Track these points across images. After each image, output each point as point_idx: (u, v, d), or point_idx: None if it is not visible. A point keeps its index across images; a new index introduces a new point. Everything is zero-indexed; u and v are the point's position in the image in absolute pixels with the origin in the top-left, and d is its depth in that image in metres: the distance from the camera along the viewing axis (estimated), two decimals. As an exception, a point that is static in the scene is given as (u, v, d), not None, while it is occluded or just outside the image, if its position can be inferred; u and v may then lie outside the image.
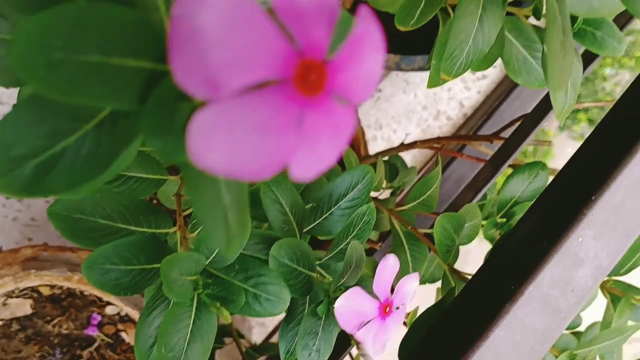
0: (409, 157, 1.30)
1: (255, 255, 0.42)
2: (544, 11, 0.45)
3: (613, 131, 0.46)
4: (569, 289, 0.42)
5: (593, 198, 0.43)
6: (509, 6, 0.46)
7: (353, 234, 0.45)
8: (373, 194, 0.87)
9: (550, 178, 0.77)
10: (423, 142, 0.82)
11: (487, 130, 1.02)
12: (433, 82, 0.42)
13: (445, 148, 0.85)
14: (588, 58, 0.65)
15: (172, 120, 0.18)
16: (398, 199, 0.88)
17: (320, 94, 0.16)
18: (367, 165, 0.51)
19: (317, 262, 0.47)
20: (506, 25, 0.46)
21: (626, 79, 1.87)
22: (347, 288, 0.42)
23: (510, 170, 0.77)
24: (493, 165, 0.78)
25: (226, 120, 0.15)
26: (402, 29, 0.46)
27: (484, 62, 0.42)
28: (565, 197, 0.45)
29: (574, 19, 0.43)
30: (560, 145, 1.79)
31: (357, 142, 0.98)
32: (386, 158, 0.89)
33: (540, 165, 0.72)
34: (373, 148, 1.31)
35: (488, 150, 0.79)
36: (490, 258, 0.50)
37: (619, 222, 0.43)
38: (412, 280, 0.43)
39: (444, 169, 0.92)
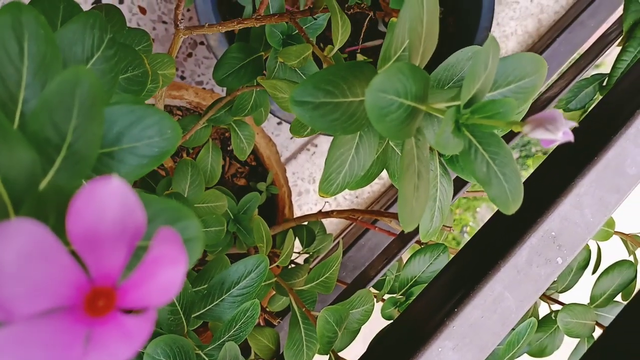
0: (331, 222, 1.33)
1: (135, 347, 0.44)
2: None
3: (479, 247, 0.50)
4: (426, 396, 0.46)
5: (456, 310, 0.47)
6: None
7: (235, 328, 0.47)
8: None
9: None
10: (339, 212, 0.85)
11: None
12: (321, 191, 0.45)
13: (361, 220, 0.88)
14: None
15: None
16: (312, 265, 0.91)
17: (109, 314, 0.19)
18: (262, 255, 0.54)
19: (203, 351, 0.49)
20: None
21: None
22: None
23: (417, 247, 0.81)
24: (401, 240, 0.82)
25: (16, 339, 0.18)
26: (297, 137, 0.49)
27: (363, 181, 0.46)
28: (432, 305, 0.49)
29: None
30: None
31: (283, 203, 1.01)
32: (306, 223, 0.92)
33: (442, 248, 0.76)
34: (306, 200, 1.35)
35: (397, 226, 0.83)
36: (367, 351, 0.53)
37: (477, 336, 0.46)
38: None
39: (360, 237, 0.95)
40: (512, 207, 0.36)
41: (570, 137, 0.29)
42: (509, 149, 0.36)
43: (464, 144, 0.35)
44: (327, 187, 0.43)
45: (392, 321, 0.57)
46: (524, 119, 0.32)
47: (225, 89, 1.12)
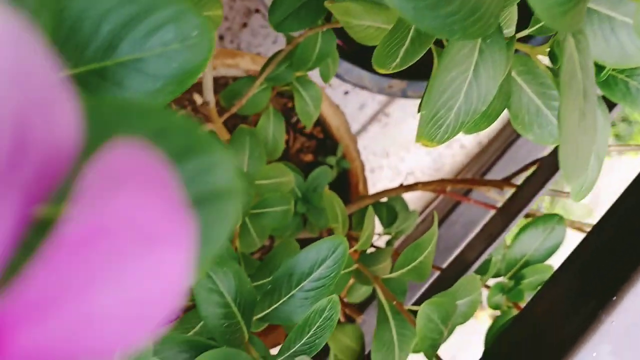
0: (411, 196, 1.19)
1: (177, 366, 0.33)
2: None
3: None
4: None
5: (615, 298, 0.33)
6: (517, 42, 0.36)
7: (309, 334, 0.35)
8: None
9: (574, 234, 0.67)
10: (425, 184, 0.72)
11: (502, 166, 0.92)
12: (423, 138, 0.32)
13: (451, 191, 0.74)
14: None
15: None
16: (396, 244, 0.78)
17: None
18: (339, 236, 0.41)
19: (268, 363, 0.37)
20: (514, 66, 0.36)
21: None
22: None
23: (524, 221, 0.67)
24: (504, 216, 0.68)
25: None
26: (382, 71, 0.36)
27: (483, 121, 0.32)
28: (581, 290, 0.35)
29: (601, 67, 0.33)
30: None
31: (356, 179, 0.88)
32: (385, 199, 0.79)
33: (556, 219, 0.61)
34: (379, 177, 1.22)
35: (498, 196, 0.69)
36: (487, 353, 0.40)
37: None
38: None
39: (450, 212, 0.82)
40: None
41: None
42: None
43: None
44: (432, 131, 0.30)
45: (514, 316, 0.43)
46: None
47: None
